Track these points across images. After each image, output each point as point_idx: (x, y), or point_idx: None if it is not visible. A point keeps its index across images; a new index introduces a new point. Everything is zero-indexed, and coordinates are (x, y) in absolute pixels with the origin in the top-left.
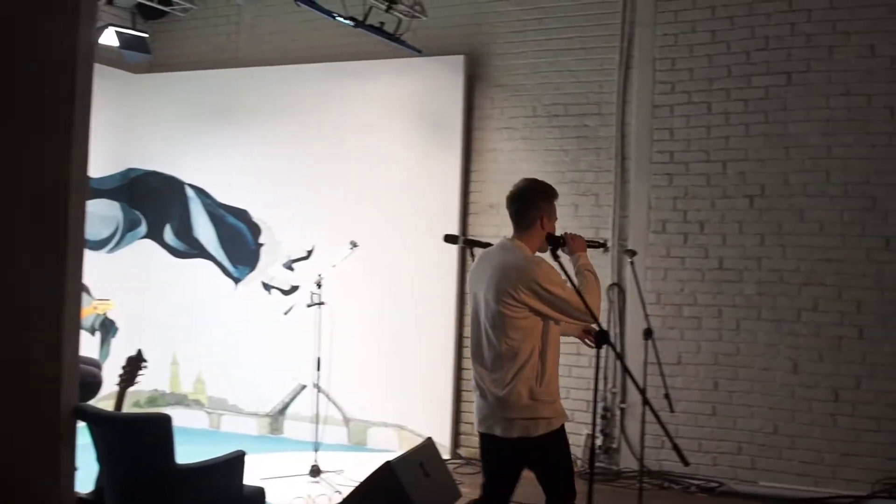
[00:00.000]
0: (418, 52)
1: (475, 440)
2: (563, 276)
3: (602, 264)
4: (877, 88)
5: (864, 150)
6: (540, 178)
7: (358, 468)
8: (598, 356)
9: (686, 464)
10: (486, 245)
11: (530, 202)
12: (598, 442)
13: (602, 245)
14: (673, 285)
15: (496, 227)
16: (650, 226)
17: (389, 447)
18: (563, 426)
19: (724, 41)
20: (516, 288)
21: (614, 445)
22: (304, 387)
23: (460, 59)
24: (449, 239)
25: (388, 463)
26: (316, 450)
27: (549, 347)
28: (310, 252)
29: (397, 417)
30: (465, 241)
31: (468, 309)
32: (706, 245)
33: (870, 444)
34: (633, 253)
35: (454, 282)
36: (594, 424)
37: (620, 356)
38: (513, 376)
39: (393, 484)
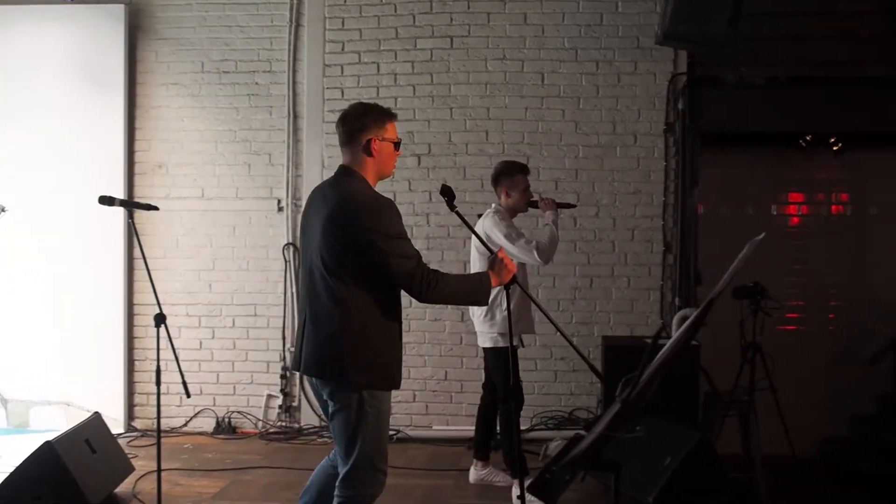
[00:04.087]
0: None
1: (150, 411)
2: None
3: (277, 223)
4: (529, 55)
5: (518, 111)
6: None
7: (19, 453)
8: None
9: None
10: (147, 207)
11: (495, 180)
12: (279, 402)
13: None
14: None
15: (166, 187)
16: None
17: (55, 427)
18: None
19: (391, 3)
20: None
21: (294, 404)
22: None
23: (121, 8)
24: (104, 200)
25: (48, 442)
26: None
27: None
28: None
29: (63, 394)
30: (121, 203)
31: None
32: None
33: (528, 383)
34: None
35: (122, 247)
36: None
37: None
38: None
39: (55, 464)
